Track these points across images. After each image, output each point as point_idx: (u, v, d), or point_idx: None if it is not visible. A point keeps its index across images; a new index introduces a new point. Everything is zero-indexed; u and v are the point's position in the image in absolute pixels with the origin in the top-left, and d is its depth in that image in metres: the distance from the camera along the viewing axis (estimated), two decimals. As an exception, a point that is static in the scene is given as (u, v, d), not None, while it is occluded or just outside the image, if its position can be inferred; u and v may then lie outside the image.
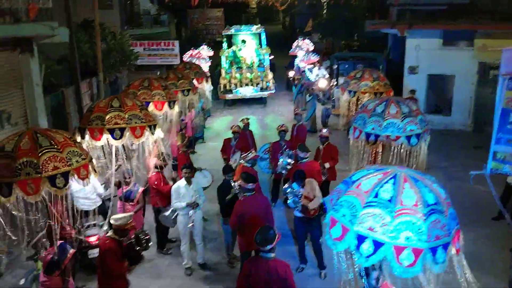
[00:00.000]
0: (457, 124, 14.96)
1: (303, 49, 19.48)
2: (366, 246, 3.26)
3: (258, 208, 6.48)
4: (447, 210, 3.38)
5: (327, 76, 16.90)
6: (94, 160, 5.89)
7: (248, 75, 19.01)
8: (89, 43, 14.05)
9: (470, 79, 14.43)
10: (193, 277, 7.44)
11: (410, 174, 3.53)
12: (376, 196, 3.37)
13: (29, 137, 5.11)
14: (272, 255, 4.97)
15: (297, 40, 20.56)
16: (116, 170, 7.38)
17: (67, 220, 5.99)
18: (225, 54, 19.28)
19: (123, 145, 7.01)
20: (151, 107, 8.80)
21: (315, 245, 7.33)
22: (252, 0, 36.31)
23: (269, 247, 4.89)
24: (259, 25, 20.71)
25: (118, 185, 7.64)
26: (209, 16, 37.85)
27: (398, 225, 3.22)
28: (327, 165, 8.84)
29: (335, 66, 17.42)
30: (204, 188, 7.94)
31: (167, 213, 7.38)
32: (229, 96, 18.75)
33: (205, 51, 18.43)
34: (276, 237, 4.97)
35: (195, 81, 12.56)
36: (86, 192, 7.18)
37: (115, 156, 7.05)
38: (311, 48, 20.05)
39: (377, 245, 3.23)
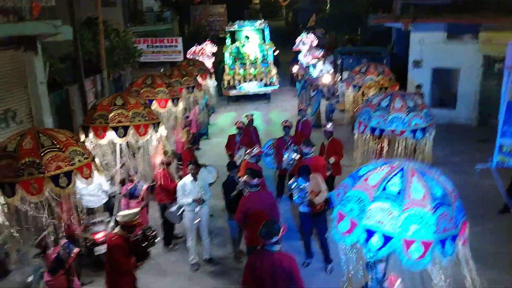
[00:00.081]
0: (462, 117, 14.87)
1: (306, 44, 19.33)
2: (375, 240, 3.28)
3: (263, 203, 6.49)
4: (455, 203, 3.39)
5: (332, 71, 16.82)
6: (99, 158, 5.89)
7: (252, 71, 18.90)
8: (93, 41, 14.10)
9: (475, 72, 14.33)
10: (199, 272, 7.48)
11: (417, 167, 3.53)
12: (384, 189, 3.38)
13: (31, 136, 5.06)
14: (278, 247, 4.92)
15: (301, 36, 20.33)
16: (120, 167, 7.42)
17: (73, 218, 5.99)
18: (229, 50, 19.21)
19: (127, 143, 7.04)
20: (154, 105, 8.80)
21: (321, 240, 7.34)
22: (255, -5, 36.30)
23: (275, 239, 4.85)
24: (263, 20, 20.55)
25: (122, 182, 7.66)
26: (212, 12, 37.89)
27: (406, 218, 3.23)
28: (331, 160, 8.83)
29: (339, 61, 17.36)
30: (210, 184, 7.96)
31: (173, 209, 7.41)
32: (233, 92, 18.70)
33: (209, 48, 18.38)
34: (282, 230, 4.96)
35: (199, 78, 12.57)
36: (91, 189, 7.18)
37: (120, 154, 7.07)
38: (315, 42, 19.90)
39: (386, 238, 3.25)
